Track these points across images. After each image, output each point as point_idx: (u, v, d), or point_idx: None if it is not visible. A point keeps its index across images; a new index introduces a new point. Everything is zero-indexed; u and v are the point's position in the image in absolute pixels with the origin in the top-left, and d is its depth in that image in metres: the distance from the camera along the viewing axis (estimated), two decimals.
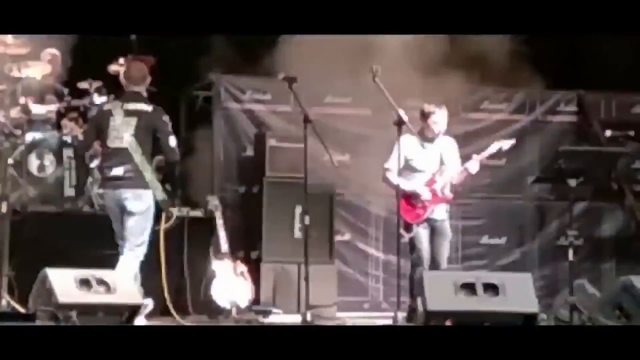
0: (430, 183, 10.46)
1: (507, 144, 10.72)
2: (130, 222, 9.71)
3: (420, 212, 10.41)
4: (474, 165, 10.46)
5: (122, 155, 9.64)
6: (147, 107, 9.68)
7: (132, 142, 9.61)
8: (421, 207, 10.42)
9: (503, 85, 12.65)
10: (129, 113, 9.68)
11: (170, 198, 10.08)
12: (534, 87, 12.98)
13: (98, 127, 9.76)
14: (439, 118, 10.40)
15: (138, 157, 9.58)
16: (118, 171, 9.65)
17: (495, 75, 12.15)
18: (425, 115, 10.44)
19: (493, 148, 10.67)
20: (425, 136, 10.42)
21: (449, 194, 10.47)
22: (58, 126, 11.45)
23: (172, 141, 9.67)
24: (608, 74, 12.97)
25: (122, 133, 9.61)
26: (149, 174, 9.60)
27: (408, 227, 10.34)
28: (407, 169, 10.37)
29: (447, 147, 10.52)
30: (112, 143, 9.64)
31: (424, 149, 10.42)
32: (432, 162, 10.47)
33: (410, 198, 10.36)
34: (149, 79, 9.87)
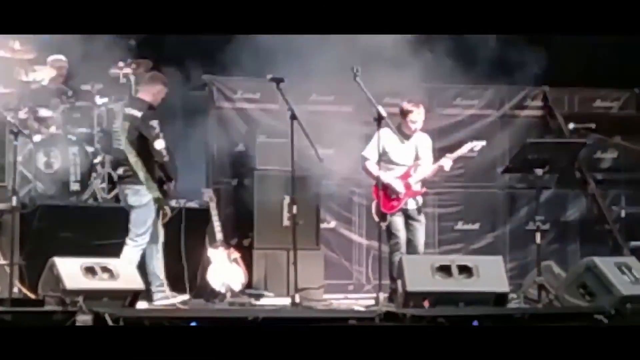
0: (405, 177, 10.52)
1: (477, 144, 10.84)
2: (132, 215, 9.92)
3: (395, 203, 10.49)
4: (447, 163, 10.57)
5: (121, 156, 9.99)
6: (137, 113, 9.94)
7: (126, 144, 9.90)
8: (395, 199, 10.49)
9: (474, 82, 12.66)
10: (125, 117, 10.07)
11: (165, 197, 10.10)
12: (502, 84, 13.00)
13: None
14: (417, 117, 10.48)
15: (132, 158, 9.87)
16: (119, 170, 10.08)
17: (468, 73, 12.15)
18: (404, 113, 10.51)
19: (465, 148, 10.77)
20: (403, 132, 10.49)
21: (421, 188, 10.54)
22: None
23: (158, 144, 9.92)
24: (570, 71, 12.99)
25: (120, 136, 9.87)
26: (143, 174, 9.82)
27: (383, 216, 10.38)
28: (385, 161, 10.41)
29: (422, 143, 10.61)
30: (114, 144, 9.90)
31: (402, 143, 10.48)
32: (408, 156, 10.55)
33: (386, 190, 10.40)
34: (162, 95, 10.06)
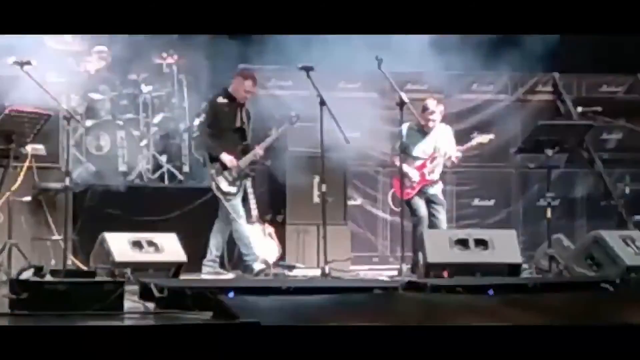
0: (421, 167, 10.59)
1: (486, 138, 10.93)
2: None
3: (409, 190, 10.55)
4: (458, 155, 10.65)
5: None
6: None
7: None
8: (409, 187, 10.54)
9: (489, 69, 12.64)
10: None
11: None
12: (516, 71, 12.98)
13: None
14: (437, 116, 10.60)
15: None
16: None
17: (483, 61, 12.14)
18: (425, 111, 10.58)
19: (474, 141, 10.85)
20: (424, 127, 10.58)
21: (434, 177, 10.59)
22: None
23: None
24: (579, 59, 12.96)
25: None
26: None
27: (400, 203, 10.53)
28: (406, 153, 10.53)
29: (442, 135, 10.72)
30: None
31: (422, 139, 10.60)
32: (426, 150, 10.63)
33: (403, 178, 10.48)
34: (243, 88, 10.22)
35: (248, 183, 11.07)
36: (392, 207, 10.42)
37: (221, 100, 10.27)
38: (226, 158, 10.18)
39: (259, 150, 10.32)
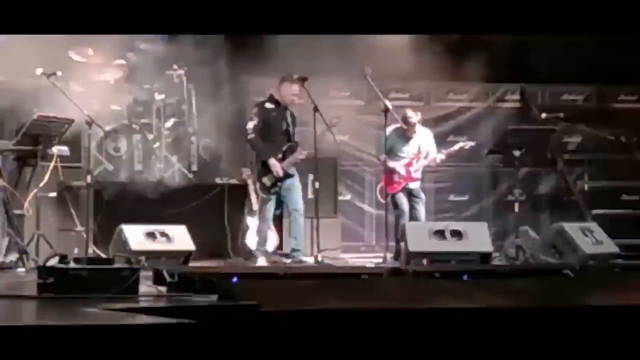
0: (408, 165, 10.58)
1: (468, 144, 10.95)
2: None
3: (396, 185, 10.56)
4: (440, 157, 10.69)
5: None
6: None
7: None
8: (397, 182, 10.55)
9: (463, 80, 12.63)
10: None
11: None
12: (487, 81, 12.99)
13: None
14: (416, 122, 10.58)
15: None
16: None
17: (458, 72, 12.14)
18: (406, 121, 10.58)
19: (457, 146, 10.87)
20: (406, 132, 10.59)
21: (419, 175, 10.60)
22: None
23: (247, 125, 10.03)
24: (543, 68, 12.97)
25: None
26: None
27: (386, 196, 10.52)
28: (392, 153, 10.53)
29: (424, 138, 10.73)
30: None
31: (406, 142, 10.61)
32: (411, 151, 10.63)
33: (391, 173, 10.48)
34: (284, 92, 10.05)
35: (249, 180, 11.05)
36: (380, 199, 10.40)
37: (269, 105, 10.05)
38: (272, 164, 9.93)
39: (299, 156, 10.07)
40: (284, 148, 10.02)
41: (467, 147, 10.97)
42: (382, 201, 10.42)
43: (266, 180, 9.95)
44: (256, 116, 9.95)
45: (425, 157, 10.64)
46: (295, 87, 10.01)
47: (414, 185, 10.61)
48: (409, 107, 11.09)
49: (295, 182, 10.04)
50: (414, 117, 10.61)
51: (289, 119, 10.10)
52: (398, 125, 10.67)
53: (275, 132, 10.01)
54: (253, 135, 9.92)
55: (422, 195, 10.68)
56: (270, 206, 9.99)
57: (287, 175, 10.00)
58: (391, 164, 10.43)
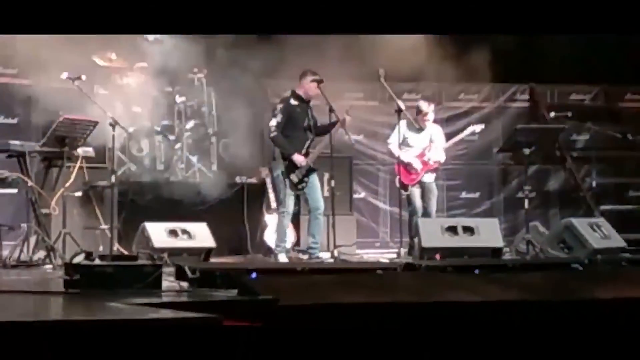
0: (421, 156, 10.53)
1: (478, 127, 10.90)
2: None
3: (414, 177, 10.50)
4: (453, 142, 10.64)
5: None
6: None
7: None
8: (414, 174, 10.50)
9: (474, 80, 12.62)
10: None
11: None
12: (497, 82, 12.98)
13: None
14: (430, 116, 10.54)
15: None
16: None
17: (469, 73, 12.13)
18: (420, 112, 10.54)
19: (468, 130, 10.79)
20: (419, 125, 10.54)
21: (434, 164, 10.56)
22: None
23: (270, 122, 9.89)
24: (552, 69, 12.95)
25: None
26: None
27: (405, 187, 10.42)
28: (405, 144, 10.45)
29: (435, 132, 10.67)
30: None
31: (418, 133, 10.54)
32: (423, 141, 10.57)
33: (407, 167, 10.44)
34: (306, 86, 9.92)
35: (267, 179, 11.05)
36: (402, 193, 10.29)
37: (293, 102, 9.92)
38: (298, 159, 9.80)
39: (322, 149, 9.92)
40: (307, 144, 9.94)
41: (477, 131, 10.95)
42: (403, 192, 10.29)
43: (294, 177, 9.89)
44: (281, 112, 9.81)
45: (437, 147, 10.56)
46: (315, 85, 9.93)
47: (429, 179, 10.56)
48: (421, 100, 11.01)
49: (316, 180, 10.00)
50: (428, 109, 10.57)
51: (310, 115, 10.04)
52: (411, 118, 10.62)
53: (299, 128, 9.90)
54: (276, 132, 9.81)
55: (436, 191, 10.63)
56: (291, 202, 9.95)
57: (311, 170, 9.93)
58: (404, 157, 10.37)
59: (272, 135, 9.83)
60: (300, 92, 9.95)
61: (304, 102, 9.93)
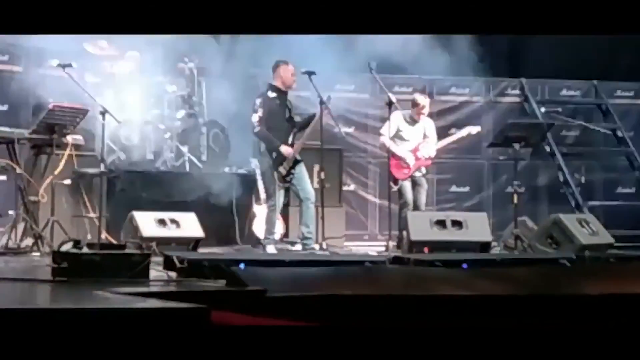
0: (415, 151, 10.53)
1: (474, 129, 10.92)
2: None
3: (406, 171, 10.51)
4: (447, 142, 10.67)
5: None
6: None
7: None
8: (406, 168, 10.50)
9: (465, 74, 12.62)
10: None
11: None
12: (488, 76, 12.98)
13: None
14: (426, 108, 10.55)
15: None
16: None
17: (460, 67, 12.12)
18: (417, 105, 10.55)
19: (464, 132, 10.82)
20: (413, 118, 10.54)
21: (427, 160, 10.57)
22: None
23: (252, 118, 9.86)
24: (543, 65, 12.96)
25: None
26: None
27: (396, 181, 10.43)
28: (398, 137, 10.45)
29: (428, 126, 10.68)
30: None
31: (412, 125, 10.53)
32: (417, 135, 10.58)
33: (400, 160, 10.44)
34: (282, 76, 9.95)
35: (257, 170, 11.02)
36: (392, 186, 10.30)
37: (271, 94, 9.92)
38: (284, 150, 9.81)
39: (305, 139, 9.92)
40: (291, 135, 9.94)
41: (474, 133, 10.94)
42: (393, 186, 10.29)
43: (282, 169, 9.89)
44: (260, 107, 9.83)
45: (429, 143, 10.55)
46: (292, 68, 9.96)
47: (418, 173, 10.57)
48: (416, 93, 11.00)
49: (303, 170, 10.00)
50: (423, 100, 10.57)
51: (290, 106, 10.04)
52: (405, 110, 10.62)
53: (280, 120, 9.92)
54: (259, 127, 9.83)
55: (425, 185, 10.65)
56: (280, 195, 9.95)
57: (297, 161, 9.92)
58: (397, 150, 10.36)
59: (255, 130, 9.86)
60: (277, 83, 9.96)
61: (283, 93, 9.94)
